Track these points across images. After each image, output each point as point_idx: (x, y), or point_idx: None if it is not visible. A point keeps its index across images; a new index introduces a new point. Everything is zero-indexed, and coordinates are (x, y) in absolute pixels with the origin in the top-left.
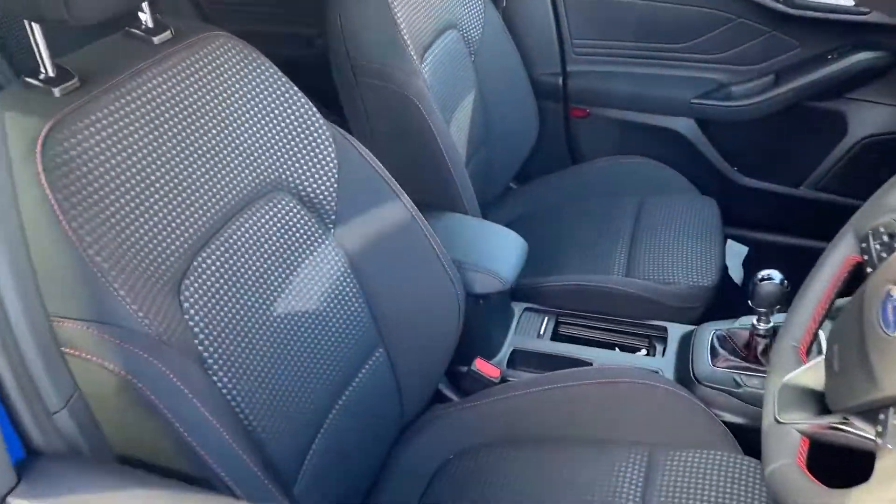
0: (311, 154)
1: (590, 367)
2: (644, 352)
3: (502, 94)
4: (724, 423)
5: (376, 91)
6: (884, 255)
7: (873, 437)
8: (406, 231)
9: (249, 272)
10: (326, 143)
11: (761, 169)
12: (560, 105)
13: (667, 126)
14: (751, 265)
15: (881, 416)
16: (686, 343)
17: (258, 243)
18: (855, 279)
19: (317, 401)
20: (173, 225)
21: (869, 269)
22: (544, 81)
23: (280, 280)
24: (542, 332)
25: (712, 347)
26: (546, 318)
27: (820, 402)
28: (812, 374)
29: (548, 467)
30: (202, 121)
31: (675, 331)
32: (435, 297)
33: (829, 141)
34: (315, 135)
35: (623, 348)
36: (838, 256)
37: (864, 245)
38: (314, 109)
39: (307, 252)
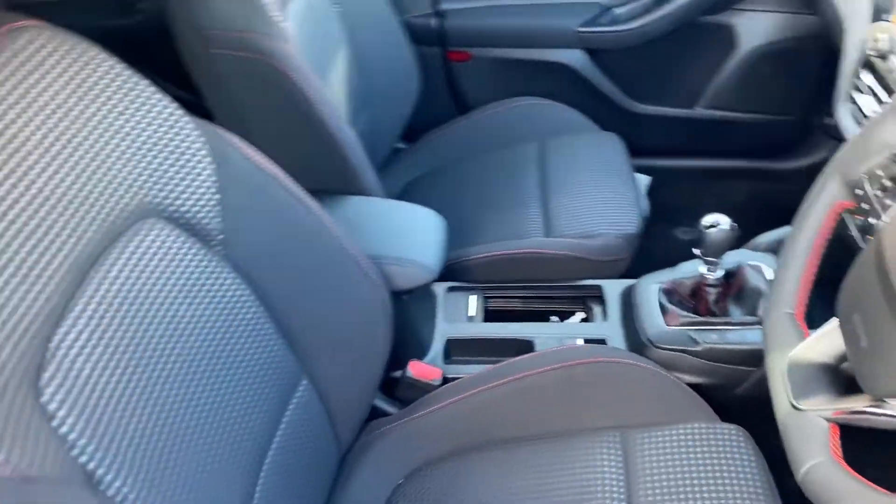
0: (180, 163)
1: (538, 353)
2: (583, 315)
3: (375, 46)
4: (689, 385)
5: (236, 63)
6: (889, 202)
7: None
8: (309, 234)
9: (129, 333)
10: (196, 145)
11: (655, 93)
12: (438, 50)
13: (555, 60)
14: (655, 194)
15: None
16: (628, 301)
17: (133, 292)
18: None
19: (243, 466)
20: (5, 312)
21: (872, 220)
22: (418, 25)
23: (170, 331)
24: (472, 314)
25: (660, 304)
26: (472, 297)
27: (839, 379)
28: (823, 344)
29: (514, 473)
30: (19, 153)
31: (612, 288)
32: (356, 303)
33: (719, 56)
34: (180, 138)
35: (561, 316)
36: (824, 204)
37: (858, 192)
38: (174, 106)
39: (197, 286)
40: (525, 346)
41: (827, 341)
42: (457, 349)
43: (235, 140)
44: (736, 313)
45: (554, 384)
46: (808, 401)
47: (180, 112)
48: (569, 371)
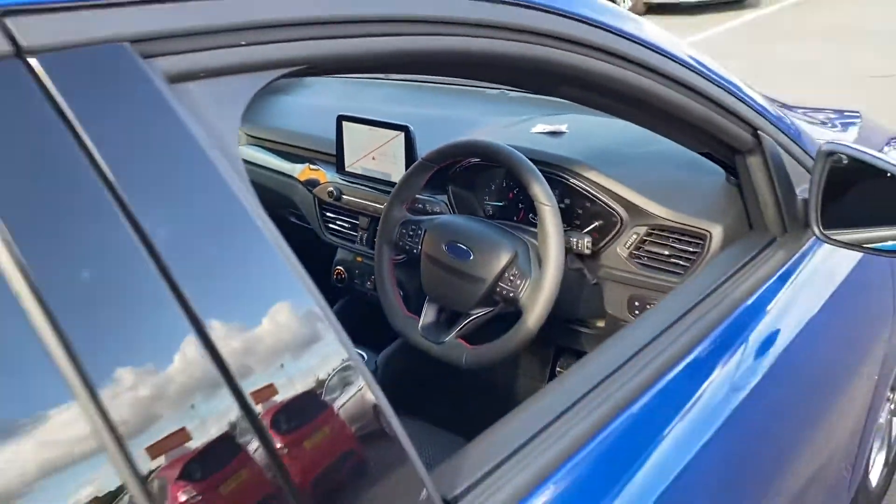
0: None
1: None
2: None
3: None
4: None
5: None
6: (419, 235)
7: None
8: None
9: None
10: None
11: None
12: None
13: None
14: None
15: (499, 293)
16: None
17: None
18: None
19: None
20: None
21: (415, 251)
22: None
23: None
24: None
25: None
26: None
27: (444, 321)
28: (430, 313)
29: None
30: None
31: None
32: None
33: None
34: None
35: None
36: (387, 262)
37: (399, 244)
38: None
39: None
40: None
41: (430, 310)
42: None
43: None
44: None
45: None
46: (441, 338)
47: None
48: None
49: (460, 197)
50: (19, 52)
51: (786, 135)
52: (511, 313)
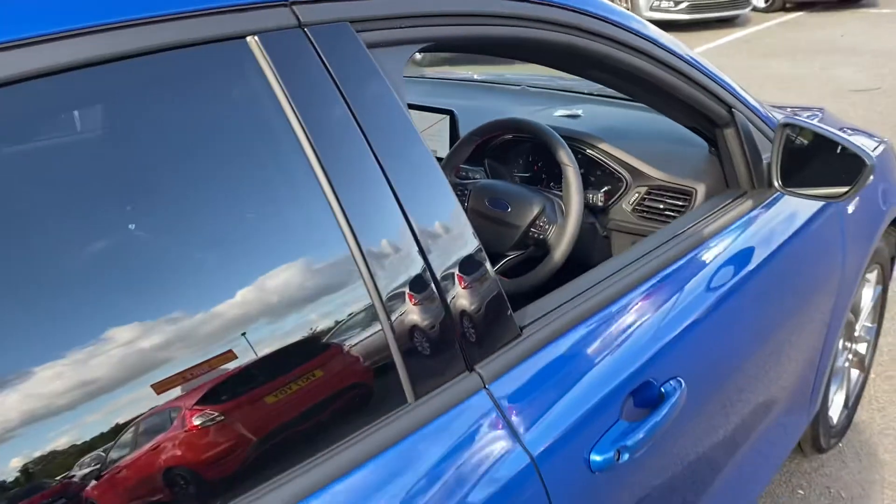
0: None
1: None
2: None
3: None
4: None
5: None
6: (465, 195)
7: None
8: None
9: None
10: None
11: None
12: None
13: None
14: None
15: (531, 236)
16: None
17: None
18: None
19: None
20: None
21: (463, 207)
22: None
23: None
24: None
25: None
26: None
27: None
28: None
29: None
30: None
31: None
32: None
33: None
34: None
35: None
36: None
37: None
38: None
39: None
40: None
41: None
42: None
43: None
44: None
45: None
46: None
47: None
48: None
49: (494, 168)
50: (300, 25)
51: (754, 113)
52: (538, 258)
